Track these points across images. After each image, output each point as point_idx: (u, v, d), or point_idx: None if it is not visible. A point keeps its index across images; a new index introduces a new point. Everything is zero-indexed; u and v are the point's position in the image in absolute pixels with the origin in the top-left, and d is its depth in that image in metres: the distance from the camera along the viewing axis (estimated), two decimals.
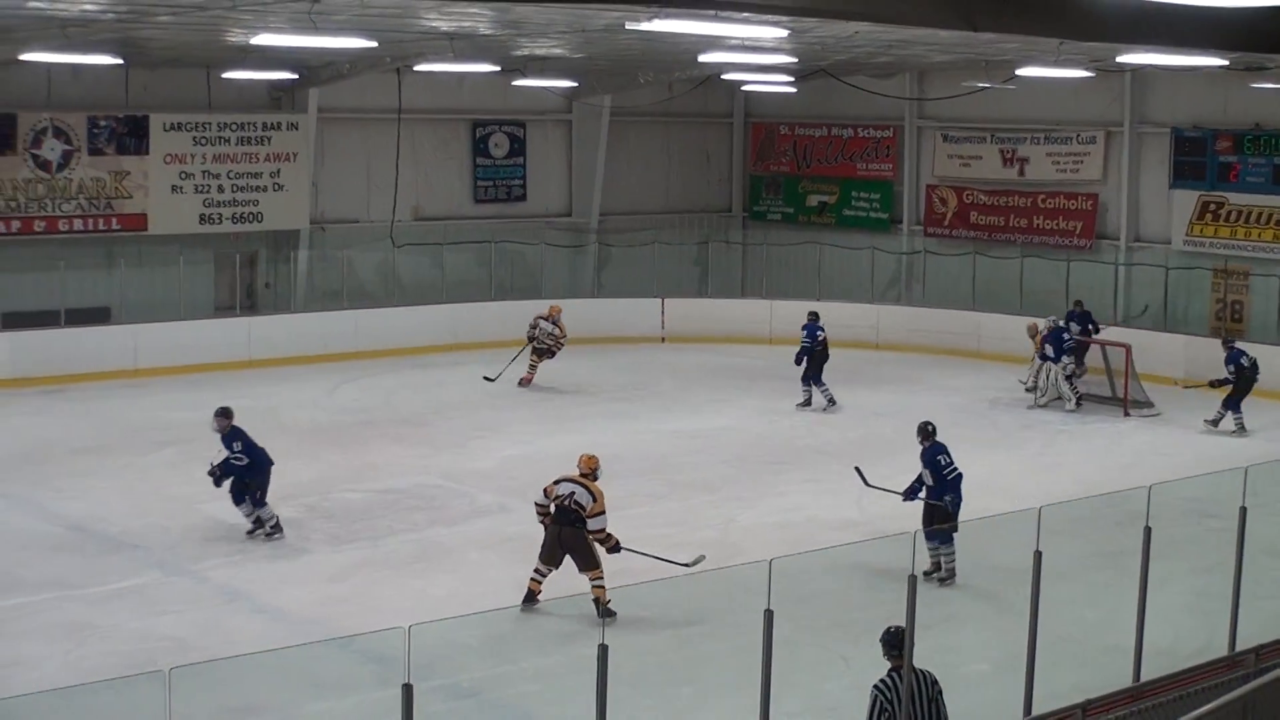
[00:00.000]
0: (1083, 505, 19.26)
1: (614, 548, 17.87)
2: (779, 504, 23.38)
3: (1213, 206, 35.37)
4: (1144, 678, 14.26)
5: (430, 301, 36.87)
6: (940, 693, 12.18)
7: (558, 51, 31.16)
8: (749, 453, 26.74)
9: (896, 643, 12.23)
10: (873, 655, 12.46)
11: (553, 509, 17.83)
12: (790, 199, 43.72)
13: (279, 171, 36.11)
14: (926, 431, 20.03)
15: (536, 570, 17.83)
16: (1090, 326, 33.25)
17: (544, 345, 32.32)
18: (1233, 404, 29.02)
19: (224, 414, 21.27)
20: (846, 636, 16.91)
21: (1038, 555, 13.27)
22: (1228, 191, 35.08)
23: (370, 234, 37.77)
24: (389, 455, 26.07)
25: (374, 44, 25.66)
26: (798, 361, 30.74)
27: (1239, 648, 15.03)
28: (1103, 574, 18.72)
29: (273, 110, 36.39)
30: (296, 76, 34.26)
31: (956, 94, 37.53)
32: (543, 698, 15.92)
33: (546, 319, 32.39)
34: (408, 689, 10.13)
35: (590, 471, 18.07)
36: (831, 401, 30.59)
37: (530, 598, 17.74)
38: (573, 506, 17.67)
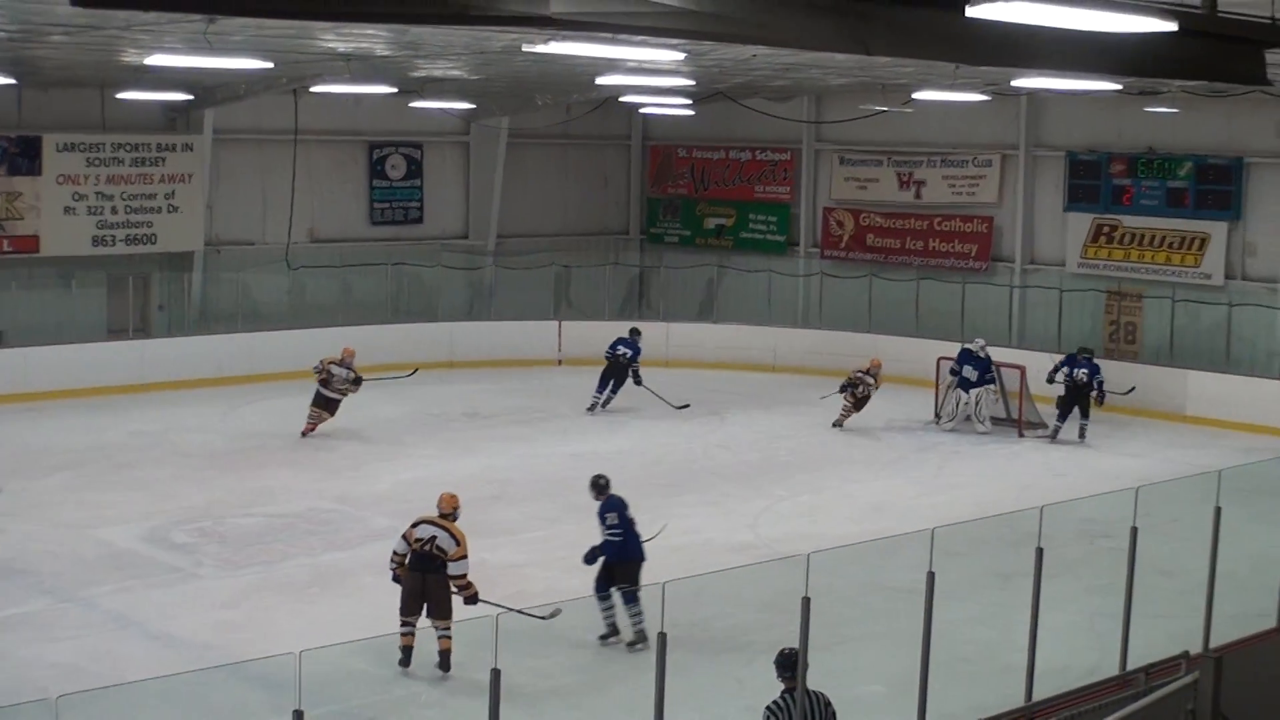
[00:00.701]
0: (977, 526, 19.37)
1: (472, 598, 16.71)
2: (674, 526, 23.23)
3: (1106, 229, 35.71)
4: (1036, 697, 14.33)
5: (327, 324, 36.55)
6: (834, 715, 12.20)
7: (455, 73, 31.07)
8: (644, 475, 26.68)
9: (790, 665, 12.25)
10: (767, 678, 12.48)
11: (409, 558, 16.91)
12: (687, 221, 43.80)
13: (174, 193, 35.77)
14: (599, 486, 18.49)
15: (404, 623, 16.89)
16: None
17: (337, 392, 29.18)
18: (1060, 412, 30.32)
19: None
20: (741, 659, 16.94)
21: (931, 576, 13.32)
22: (1121, 214, 35.43)
23: (266, 256, 37.52)
24: (283, 479, 25.89)
25: (270, 65, 25.51)
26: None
27: (1130, 666, 15.14)
28: (997, 594, 18.83)
29: (167, 131, 36.06)
30: (192, 97, 33.98)
31: (853, 117, 37.69)
32: None
33: (339, 363, 29.23)
34: (298, 715, 10.07)
35: (451, 511, 17.12)
36: (590, 409, 32.27)
37: (408, 654, 16.84)
38: (434, 552, 16.78)
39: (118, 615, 18.87)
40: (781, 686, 12.23)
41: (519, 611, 16.40)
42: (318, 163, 38.54)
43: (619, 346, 32.18)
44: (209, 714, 14.97)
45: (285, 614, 18.92)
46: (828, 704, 12.21)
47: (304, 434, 29.07)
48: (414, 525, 17.13)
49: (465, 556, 16.83)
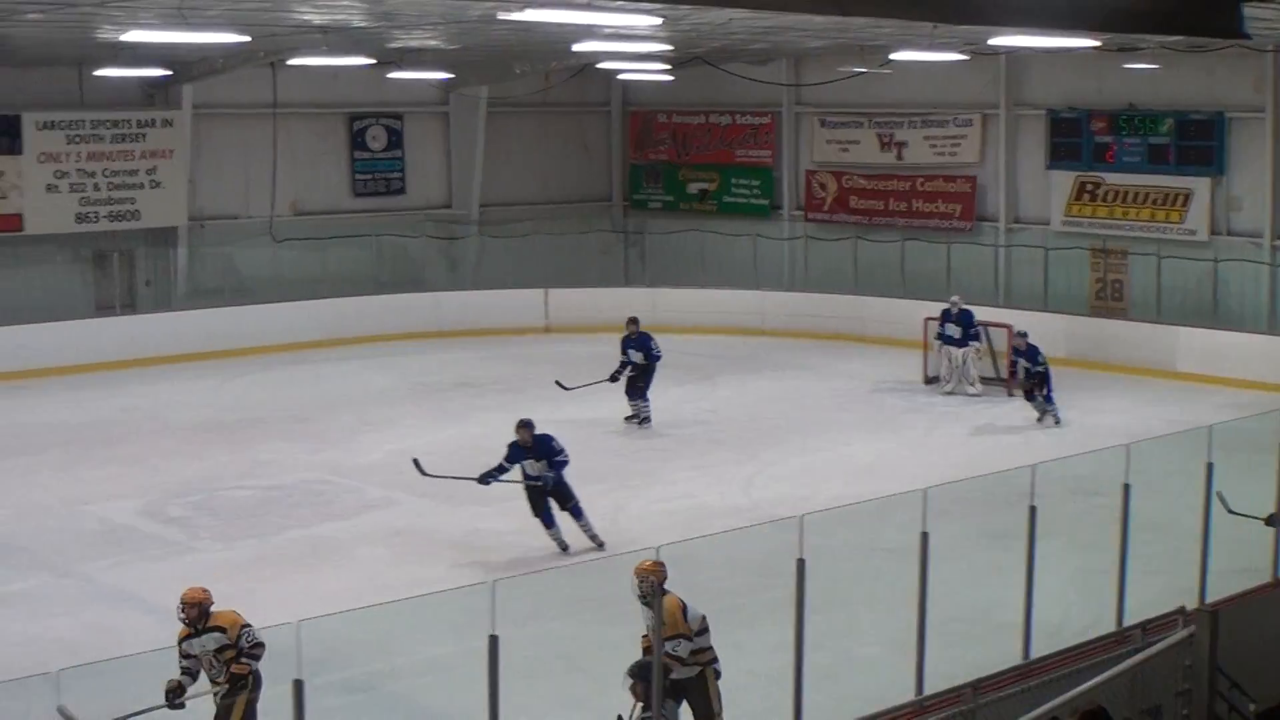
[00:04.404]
0: (968, 486, 19.33)
1: None
2: (668, 491, 23.43)
3: (1090, 187, 35.72)
4: (1033, 655, 14.39)
5: (313, 296, 36.58)
6: None
7: (432, 43, 31.03)
8: (632, 440, 26.78)
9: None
10: (765, 640, 12.52)
11: None
12: (670, 187, 43.73)
13: (155, 169, 35.67)
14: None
15: None
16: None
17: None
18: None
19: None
20: (737, 621, 16.94)
21: (924, 536, 13.36)
22: (1104, 172, 35.43)
23: (250, 230, 37.45)
24: (276, 451, 25.91)
25: (247, 39, 25.47)
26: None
27: (1126, 623, 15.19)
28: (990, 554, 18.83)
29: (147, 107, 35.94)
30: (170, 73, 33.89)
31: (833, 79, 37.67)
32: (436, 690, 15.89)
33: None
34: (298, 685, 10.11)
35: None
36: (632, 419, 28.39)
37: None
38: None
39: (115, 590, 18.91)
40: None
41: None
42: (298, 136, 38.44)
43: (630, 351, 28.23)
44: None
45: (281, 585, 18.89)
46: None
47: None
48: None
49: None
